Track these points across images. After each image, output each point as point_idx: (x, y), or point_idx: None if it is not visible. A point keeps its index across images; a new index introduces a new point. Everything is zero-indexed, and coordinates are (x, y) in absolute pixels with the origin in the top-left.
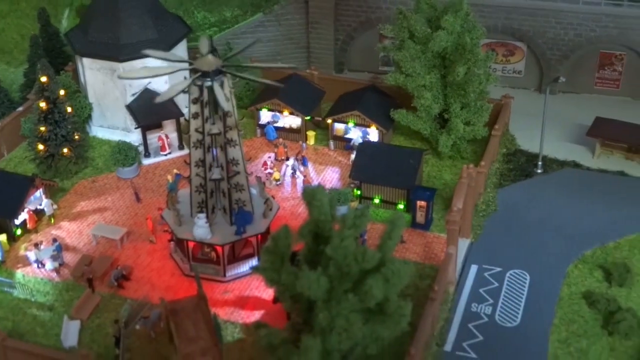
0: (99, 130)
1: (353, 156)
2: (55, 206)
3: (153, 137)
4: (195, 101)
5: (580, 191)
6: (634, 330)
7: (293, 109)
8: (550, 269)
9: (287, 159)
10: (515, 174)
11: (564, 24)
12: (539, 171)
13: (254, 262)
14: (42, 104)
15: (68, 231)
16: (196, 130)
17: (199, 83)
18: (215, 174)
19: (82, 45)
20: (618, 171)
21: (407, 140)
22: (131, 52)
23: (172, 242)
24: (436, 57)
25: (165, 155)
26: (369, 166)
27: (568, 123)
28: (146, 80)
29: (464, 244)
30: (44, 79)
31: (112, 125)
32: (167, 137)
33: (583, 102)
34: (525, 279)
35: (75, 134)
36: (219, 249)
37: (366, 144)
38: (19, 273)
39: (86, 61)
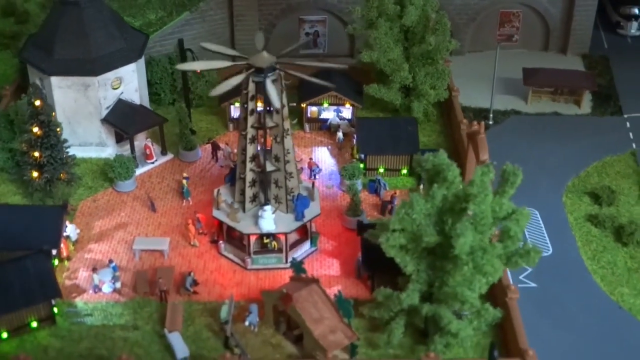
0: (69, 149)
1: (340, 134)
2: (78, 230)
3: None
4: (252, 98)
5: (534, 134)
6: None
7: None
8: (550, 203)
9: None
10: None
11: None
12: (491, 122)
13: (306, 245)
14: (35, 129)
15: (101, 252)
16: (252, 126)
17: (256, 79)
18: (269, 166)
19: (50, 65)
20: (553, 112)
21: (371, 113)
22: (105, 65)
23: (220, 242)
24: (400, 32)
25: (152, 163)
26: (373, 139)
27: (487, 77)
28: (119, 91)
29: None
30: (37, 102)
31: (84, 142)
32: (152, 144)
33: (489, 58)
34: (537, 214)
35: (67, 156)
36: (283, 237)
37: (363, 121)
38: (79, 302)
39: (55, 80)
